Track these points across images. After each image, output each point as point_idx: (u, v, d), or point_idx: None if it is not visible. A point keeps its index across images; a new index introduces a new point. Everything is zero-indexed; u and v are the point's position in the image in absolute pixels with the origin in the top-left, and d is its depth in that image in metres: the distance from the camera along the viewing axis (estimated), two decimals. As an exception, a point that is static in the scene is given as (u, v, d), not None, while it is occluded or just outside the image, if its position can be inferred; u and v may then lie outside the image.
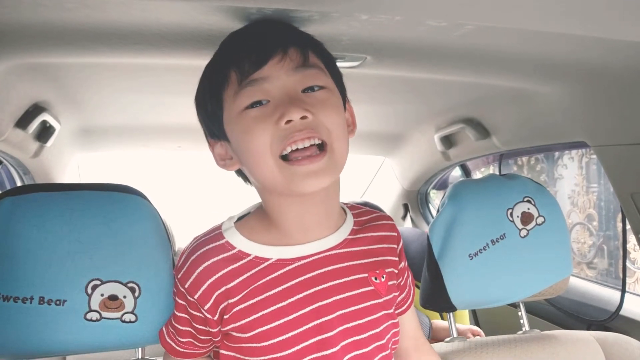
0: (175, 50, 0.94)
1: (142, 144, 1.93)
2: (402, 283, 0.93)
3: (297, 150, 0.71)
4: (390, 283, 0.86)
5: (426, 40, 0.91)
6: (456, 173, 2.39)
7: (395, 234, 0.91)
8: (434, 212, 2.45)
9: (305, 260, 0.79)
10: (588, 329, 1.50)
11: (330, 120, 0.73)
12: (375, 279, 0.83)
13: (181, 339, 0.84)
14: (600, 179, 3.02)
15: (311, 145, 0.72)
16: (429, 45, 0.94)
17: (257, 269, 0.77)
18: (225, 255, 0.77)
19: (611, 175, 1.33)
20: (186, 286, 0.78)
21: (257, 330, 0.76)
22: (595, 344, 1.17)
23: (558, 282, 1.19)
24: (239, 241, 0.79)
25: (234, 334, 0.78)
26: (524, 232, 1.15)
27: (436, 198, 2.47)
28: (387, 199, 2.49)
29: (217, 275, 0.76)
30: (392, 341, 0.87)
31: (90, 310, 0.83)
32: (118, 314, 0.84)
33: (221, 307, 0.77)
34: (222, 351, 0.81)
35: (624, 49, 0.96)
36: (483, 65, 1.10)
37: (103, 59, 1.02)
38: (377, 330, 0.82)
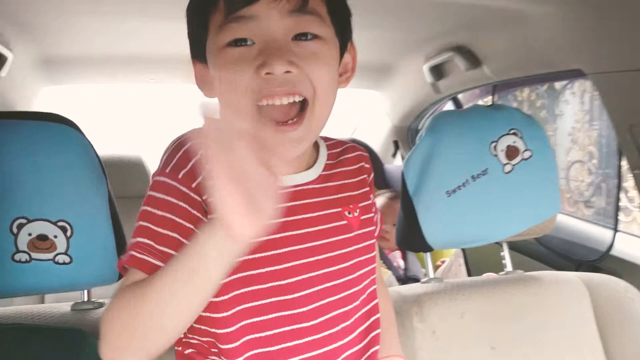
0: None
1: (112, 75, 1.81)
2: (375, 218, 0.87)
3: (273, 105, 0.66)
4: (363, 217, 0.82)
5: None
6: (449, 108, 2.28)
7: (368, 165, 0.86)
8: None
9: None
10: (577, 269, 1.44)
11: (317, 76, 0.67)
12: (349, 213, 0.80)
13: (159, 247, 0.66)
14: (603, 115, 2.90)
15: (289, 103, 0.66)
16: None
17: None
18: None
19: (609, 106, 1.22)
20: (180, 176, 0.67)
21: None
22: (580, 285, 1.11)
23: (544, 221, 1.11)
24: None
25: None
26: (508, 167, 1.05)
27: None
28: (377, 136, 2.39)
29: None
30: (368, 279, 0.82)
31: (18, 251, 0.76)
32: (50, 255, 0.77)
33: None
34: None
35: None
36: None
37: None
38: (347, 264, 0.78)
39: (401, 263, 1.87)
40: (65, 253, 0.77)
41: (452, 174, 1.03)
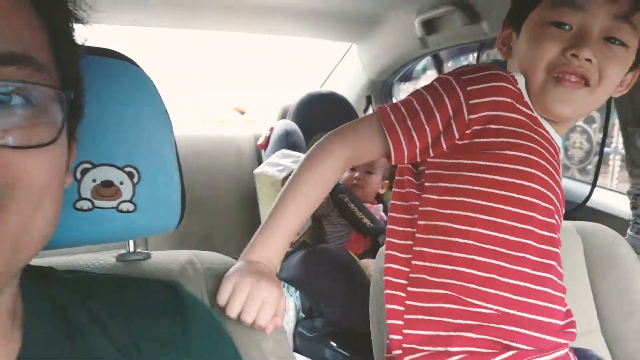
0: None
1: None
2: None
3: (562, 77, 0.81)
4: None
5: None
6: (419, 67, 2.31)
7: None
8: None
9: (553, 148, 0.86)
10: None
11: (607, 74, 0.80)
12: None
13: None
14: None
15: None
16: None
17: (526, 119, 0.82)
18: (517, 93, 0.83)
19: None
20: (470, 88, 0.80)
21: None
22: (574, 233, 1.20)
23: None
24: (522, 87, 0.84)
25: (468, 161, 0.81)
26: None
27: (401, 91, 2.39)
28: (351, 90, 2.37)
29: (502, 98, 0.80)
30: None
31: (81, 199, 0.70)
32: (114, 203, 0.72)
33: (480, 127, 0.80)
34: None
35: None
36: None
37: None
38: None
39: (384, 215, 1.87)
40: (130, 201, 0.73)
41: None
